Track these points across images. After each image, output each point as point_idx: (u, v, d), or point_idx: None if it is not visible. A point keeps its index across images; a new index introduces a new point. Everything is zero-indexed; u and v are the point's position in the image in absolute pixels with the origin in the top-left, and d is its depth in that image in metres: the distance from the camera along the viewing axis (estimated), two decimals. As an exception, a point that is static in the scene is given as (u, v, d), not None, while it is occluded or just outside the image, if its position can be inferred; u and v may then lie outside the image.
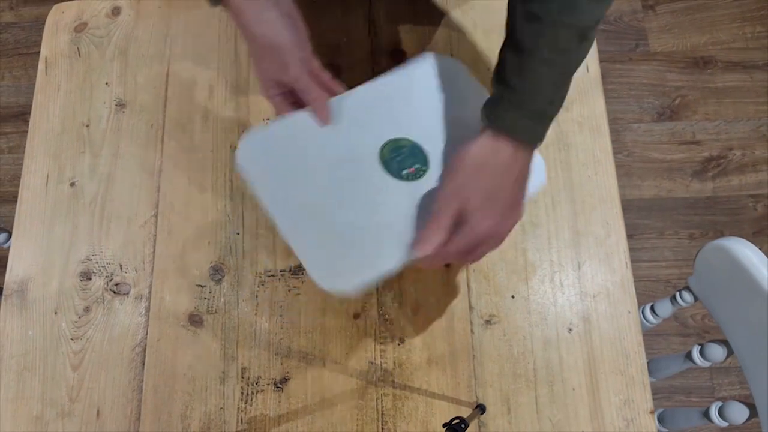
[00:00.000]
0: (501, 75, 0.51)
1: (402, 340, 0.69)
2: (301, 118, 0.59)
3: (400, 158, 0.58)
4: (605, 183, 0.74)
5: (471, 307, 0.69)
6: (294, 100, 0.57)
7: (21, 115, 1.63)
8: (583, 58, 0.50)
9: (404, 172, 0.58)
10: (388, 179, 0.58)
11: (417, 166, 0.58)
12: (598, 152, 0.75)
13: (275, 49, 0.52)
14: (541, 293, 0.70)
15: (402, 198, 0.57)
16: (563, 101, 0.51)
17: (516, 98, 0.49)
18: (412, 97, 0.62)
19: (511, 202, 0.51)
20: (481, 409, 0.64)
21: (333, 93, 0.58)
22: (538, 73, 0.48)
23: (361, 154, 0.59)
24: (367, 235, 0.56)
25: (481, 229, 0.49)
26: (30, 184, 0.78)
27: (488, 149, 0.49)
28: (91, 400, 0.69)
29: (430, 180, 0.58)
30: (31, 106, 0.81)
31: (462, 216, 0.50)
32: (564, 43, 0.47)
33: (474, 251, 0.52)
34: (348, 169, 0.58)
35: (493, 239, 0.52)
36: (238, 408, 0.67)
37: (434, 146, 0.60)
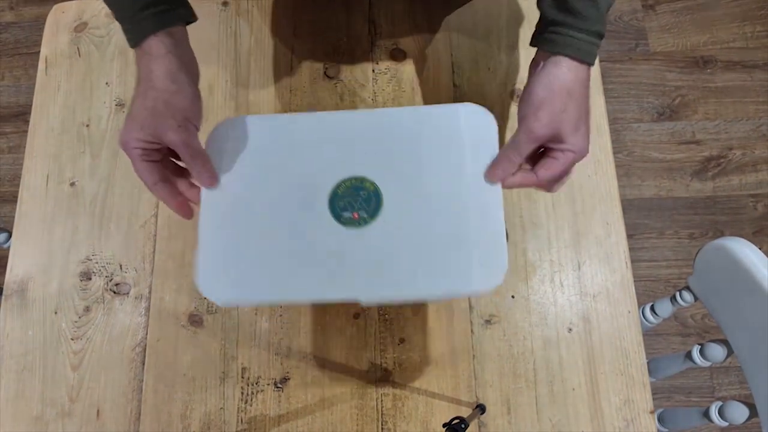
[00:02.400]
0: (566, 4, 0.50)
1: (402, 340, 0.69)
2: (286, 120, 0.57)
3: (350, 200, 0.53)
4: (605, 183, 0.74)
5: (471, 307, 0.69)
6: (151, 159, 0.53)
7: (21, 115, 1.63)
8: None
9: (344, 215, 0.52)
10: (325, 215, 0.52)
11: (362, 214, 0.52)
12: (598, 152, 0.75)
13: (178, 110, 0.51)
14: (541, 293, 0.70)
15: (331, 238, 0.52)
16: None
17: (584, 24, 0.49)
18: (418, 139, 0.54)
19: (587, 114, 0.52)
20: (481, 409, 0.64)
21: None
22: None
23: (320, 179, 0.54)
24: (276, 258, 0.52)
25: (580, 150, 0.50)
26: (30, 184, 0.78)
27: (572, 75, 0.49)
28: (91, 400, 0.69)
29: (369, 232, 0.51)
30: (31, 106, 0.81)
31: (554, 141, 0.50)
32: None
33: (563, 176, 0.52)
34: (298, 189, 0.54)
35: (582, 150, 0.51)
36: (238, 408, 0.67)
37: (402, 199, 0.52)
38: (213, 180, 0.54)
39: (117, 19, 0.53)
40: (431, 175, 0.53)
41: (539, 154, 0.53)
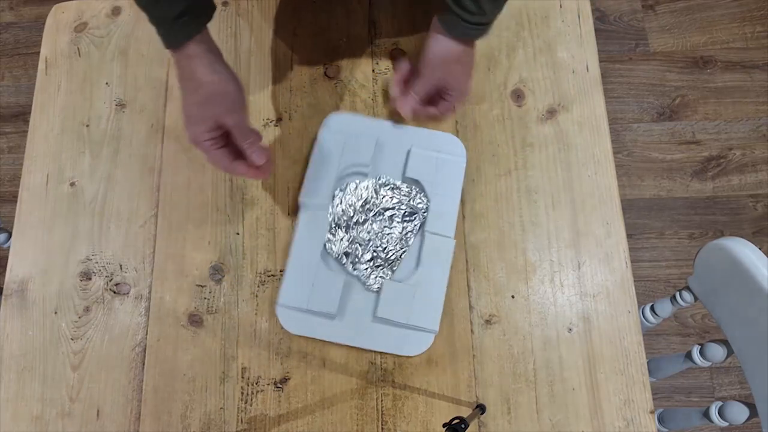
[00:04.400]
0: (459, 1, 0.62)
1: (402, 340, 0.69)
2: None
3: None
4: (605, 183, 0.74)
5: (471, 307, 0.69)
6: (220, 145, 0.61)
7: (21, 115, 1.63)
8: None
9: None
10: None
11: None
12: (598, 152, 0.75)
13: (226, 95, 0.60)
14: (541, 293, 0.70)
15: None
16: (501, 10, 0.64)
17: (465, 15, 0.61)
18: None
19: (470, 71, 0.69)
20: (481, 409, 0.64)
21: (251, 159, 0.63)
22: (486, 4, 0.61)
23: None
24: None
25: (464, 85, 0.68)
26: (30, 184, 0.78)
27: (450, 46, 0.65)
28: (91, 400, 0.69)
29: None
30: (31, 106, 0.81)
31: (443, 88, 0.67)
32: None
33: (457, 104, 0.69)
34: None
35: (463, 93, 0.69)
36: (238, 408, 0.67)
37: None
38: (263, 157, 0.61)
39: (153, 24, 0.59)
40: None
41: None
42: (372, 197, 0.73)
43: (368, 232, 0.71)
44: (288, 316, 0.69)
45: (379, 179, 0.73)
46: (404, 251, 0.71)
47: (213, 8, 0.61)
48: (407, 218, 0.72)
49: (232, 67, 0.62)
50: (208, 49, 0.59)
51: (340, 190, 0.73)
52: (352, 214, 0.72)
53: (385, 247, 0.71)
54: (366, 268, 0.70)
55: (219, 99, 0.59)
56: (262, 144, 0.61)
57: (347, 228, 0.72)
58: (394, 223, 0.72)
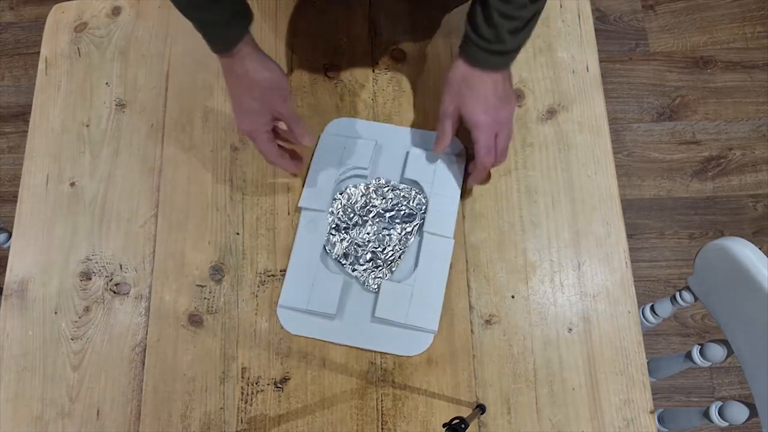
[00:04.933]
0: (473, 21, 0.62)
1: (402, 340, 0.69)
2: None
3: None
4: (605, 183, 0.74)
5: (471, 307, 0.69)
6: (273, 138, 0.69)
7: (21, 115, 1.63)
8: (540, 10, 0.61)
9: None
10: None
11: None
12: (598, 152, 0.75)
13: (281, 88, 0.66)
14: (541, 293, 0.70)
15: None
16: (525, 42, 0.63)
17: (483, 43, 0.61)
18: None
19: (499, 97, 0.65)
20: (481, 409, 0.64)
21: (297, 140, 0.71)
22: (501, 25, 0.59)
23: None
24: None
25: (480, 120, 0.64)
26: (30, 184, 0.78)
27: (466, 71, 0.64)
28: (91, 400, 0.69)
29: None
30: (31, 106, 0.81)
31: (465, 120, 0.66)
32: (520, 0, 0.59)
33: (490, 146, 0.66)
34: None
35: (502, 128, 0.66)
36: (238, 408, 0.67)
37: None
38: (312, 138, 0.70)
39: (203, 31, 0.63)
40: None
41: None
42: (371, 199, 0.73)
43: (367, 234, 0.71)
44: (288, 316, 0.69)
45: (379, 180, 0.73)
46: (403, 252, 0.71)
47: (249, 8, 0.64)
48: (406, 219, 0.72)
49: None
50: (255, 47, 0.64)
51: (340, 193, 0.73)
52: (351, 216, 0.72)
53: (384, 248, 0.71)
54: (365, 269, 0.70)
55: (275, 93, 0.65)
56: (308, 130, 0.69)
57: (346, 229, 0.72)
58: (394, 225, 0.72)
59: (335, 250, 0.71)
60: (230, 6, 0.60)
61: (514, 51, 0.63)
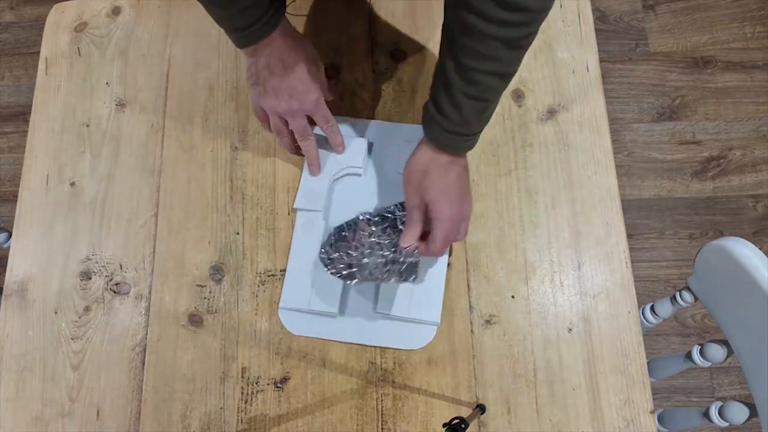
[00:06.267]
0: (436, 101, 0.58)
1: (402, 340, 0.69)
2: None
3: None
4: (605, 183, 0.74)
5: (471, 307, 0.69)
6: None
7: (21, 115, 1.63)
8: (503, 90, 0.58)
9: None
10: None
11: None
12: (598, 152, 0.75)
13: (313, 83, 0.67)
14: (541, 293, 0.70)
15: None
16: (488, 121, 0.60)
17: (447, 124, 0.58)
18: None
19: (461, 190, 0.62)
20: (481, 409, 0.64)
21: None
22: (466, 106, 0.56)
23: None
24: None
25: (447, 215, 0.61)
26: (30, 184, 0.78)
27: (429, 158, 0.61)
28: (91, 400, 0.69)
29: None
30: (31, 106, 0.81)
31: (428, 210, 0.61)
32: (486, 82, 0.55)
33: (449, 239, 0.62)
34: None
35: (463, 222, 0.63)
36: (238, 408, 0.67)
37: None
38: (341, 146, 0.73)
39: (230, 27, 0.64)
40: None
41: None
42: (366, 237, 0.69)
43: (369, 275, 0.66)
44: (290, 317, 0.69)
45: (364, 216, 0.70)
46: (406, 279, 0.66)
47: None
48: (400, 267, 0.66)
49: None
50: (293, 39, 0.66)
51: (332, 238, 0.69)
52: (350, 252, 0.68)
53: (395, 251, 0.66)
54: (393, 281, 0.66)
55: (307, 86, 0.66)
56: (339, 132, 0.72)
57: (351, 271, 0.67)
58: (389, 265, 0.66)
59: (353, 283, 0.67)
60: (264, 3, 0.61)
61: (477, 134, 0.61)
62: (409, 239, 0.63)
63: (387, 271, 0.65)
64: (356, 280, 0.65)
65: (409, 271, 0.65)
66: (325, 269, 0.66)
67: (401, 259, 0.65)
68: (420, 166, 0.62)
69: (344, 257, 0.67)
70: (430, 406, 0.66)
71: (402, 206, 0.69)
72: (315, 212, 0.72)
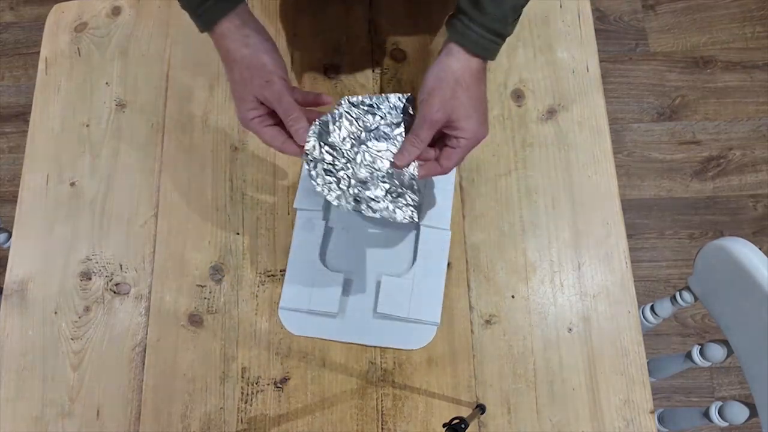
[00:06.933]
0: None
1: (402, 340, 0.69)
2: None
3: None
4: (605, 183, 0.74)
5: (471, 307, 0.69)
6: (271, 123, 0.58)
7: (21, 115, 1.63)
8: None
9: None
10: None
11: None
12: (598, 152, 0.75)
13: (259, 68, 0.56)
14: (541, 293, 0.70)
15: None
16: (519, 20, 0.56)
17: (483, 19, 0.53)
18: None
19: (487, 110, 0.57)
20: (481, 409, 0.64)
21: (320, 104, 0.61)
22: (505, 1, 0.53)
23: None
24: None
25: (474, 135, 0.56)
26: (30, 184, 0.78)
27: (462, 65, 0.54)
28: (91, 400, 0.69)
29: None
30: (31, 106, 0.81)
31: (449, 127, 0.56)
32: None
33: (461, 160, 0.58)
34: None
35: (479, 144, 0.58)
36: (238, 408, 0.67)
37: None
38: (304, 136, 0.57)
39: (186, 8, 0.57)
40: None
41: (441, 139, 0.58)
42: (354, 131, 0.61)
43: (366, 166, 0.60)
44: (290, 318, 0.69)
45: (351, 102, 0.61)
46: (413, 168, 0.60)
47: None
48: (395, 127, 0.61)
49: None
50: (242, 24, 0.56)
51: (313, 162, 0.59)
52: (340, 158, 0.60)
53: (392, 172, 0.60)
54: (386, 206, 0.59)
55: (252, 75, 0.56)
56: (304, 122, 0.57)
57: (339, 177, 0.59)
58: (382, 137, 0.61)
59: (344, 204, 0.58)
60: None
61: (505, 39, 0.56)
62: (407, 160, 0.56)
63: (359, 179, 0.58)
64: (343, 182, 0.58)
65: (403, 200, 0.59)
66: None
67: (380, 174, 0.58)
68: (452, 75, 0.54)
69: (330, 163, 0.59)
70: (430, 406, 0.66)
71: (392, 105, 0.62)
72: (315, 212, 0.72)
